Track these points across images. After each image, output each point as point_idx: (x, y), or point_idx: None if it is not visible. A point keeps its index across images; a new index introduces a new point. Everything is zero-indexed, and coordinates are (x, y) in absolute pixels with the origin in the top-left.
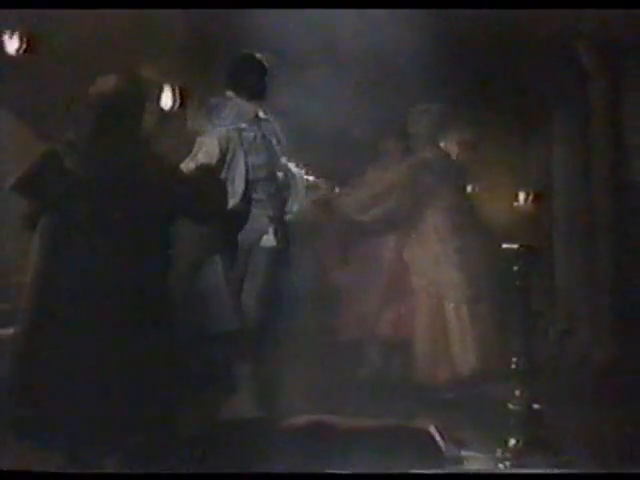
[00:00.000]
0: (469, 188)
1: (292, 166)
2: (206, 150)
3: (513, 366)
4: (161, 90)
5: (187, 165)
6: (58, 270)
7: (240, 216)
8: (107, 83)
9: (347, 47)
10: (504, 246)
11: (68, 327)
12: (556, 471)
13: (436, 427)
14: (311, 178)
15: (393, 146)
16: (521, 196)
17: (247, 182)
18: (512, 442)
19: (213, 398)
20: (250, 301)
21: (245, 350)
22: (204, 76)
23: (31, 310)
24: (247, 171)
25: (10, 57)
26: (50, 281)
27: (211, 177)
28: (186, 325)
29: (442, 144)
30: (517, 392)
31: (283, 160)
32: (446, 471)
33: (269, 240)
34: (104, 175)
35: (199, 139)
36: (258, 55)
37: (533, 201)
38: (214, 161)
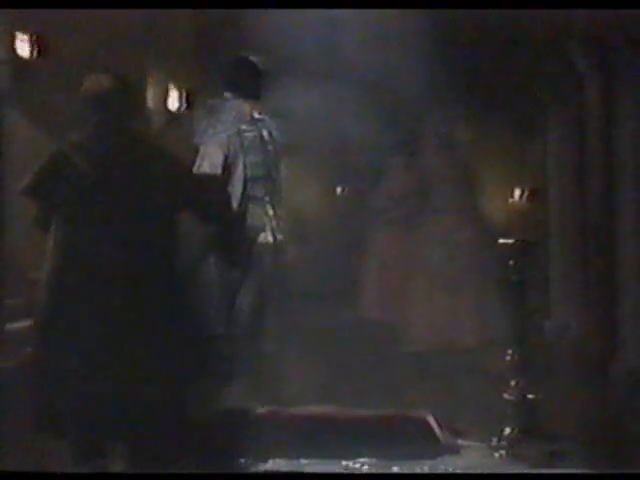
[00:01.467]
0: (467, 187)
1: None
2: (210, 161)
3: (508, 358)
4: (168, 92)
5: None
6: (71, 267)
7: (239, 216)
8: (92, 82)
9: (348, 50)
10: (500, 241)
11: (78, 322)
12: (555, 471)
13: (434, 416)
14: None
15: (398, 151)
16: (517, 192)
17: (245, 181)
18: (507, 431)
19: (213, 390)
20: (249, 297)
21: (242, 346)
22: (209, 78)
23: (45, 306)
24: (245, 170)
25: (22, 59)
26: (63, 278)
27: (216, 187)
28: (181, 323)
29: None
30: (512, 383)
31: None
32: (444, 461)
33: (267, 237)
34: (110, 173)
35: (202, 148)
36: (253, 57)
37: (528, 197)
38: (219, 171)
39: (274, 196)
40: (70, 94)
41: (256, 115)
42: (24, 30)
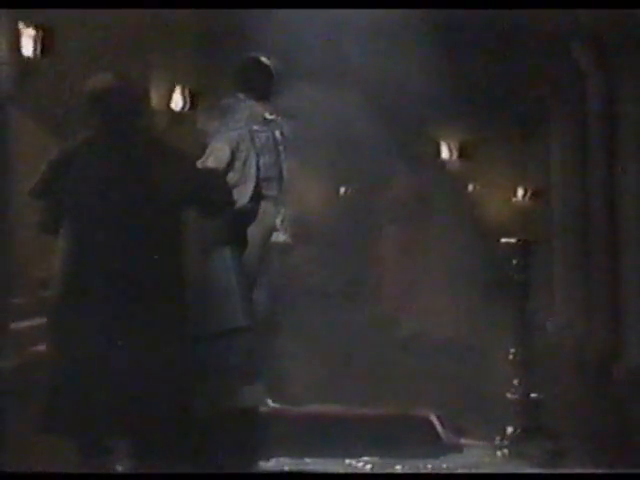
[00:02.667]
0: (470, 187)
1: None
2: (216, 155)
3: (511, 357)
4: (172, 91)
5: None
6: (82, 265)
7: (249, 213)
8: (95, 82)
9: (353, 53)
10: (503, 240)
11: (91, 320)
12: (558, 470)
13: (437, 415)
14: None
15: (401, 152)
16: (519, 192)
17: (258, 181)
18: (510, 430)
19: (224, 388)
20: (262, 296)
21: (256, 343)
22: (213, 78)
23: (58, 304)
24: (258, 171)
25: (26, 59)
26: (76, 276)
27: (217, 181)
28: (198, 318)
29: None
30: (515, 382)
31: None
32: (446, 460)
33: (280, 236)
34: (117, 170)
35: (211, 145)
36: (264, 58)
37: (531, 197)
38: (223, 166)
39: (285, 196)
40: (75, 94)
41: (267, 116)
42: (28, 30)
